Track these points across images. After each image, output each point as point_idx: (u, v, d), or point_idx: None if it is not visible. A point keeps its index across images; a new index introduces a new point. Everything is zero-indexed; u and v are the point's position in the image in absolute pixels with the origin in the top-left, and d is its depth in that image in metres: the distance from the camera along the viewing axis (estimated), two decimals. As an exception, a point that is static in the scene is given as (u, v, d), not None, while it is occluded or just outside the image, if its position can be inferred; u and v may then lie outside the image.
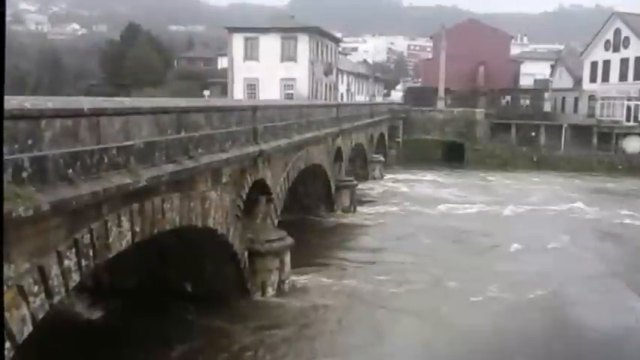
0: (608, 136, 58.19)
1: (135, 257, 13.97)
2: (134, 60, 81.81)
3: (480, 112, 61.38)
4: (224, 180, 15.41)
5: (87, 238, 9.56)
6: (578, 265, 23.40)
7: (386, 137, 55.19)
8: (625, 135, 57.79)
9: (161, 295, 16.82)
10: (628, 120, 58.48)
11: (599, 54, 63.81)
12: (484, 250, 25.53)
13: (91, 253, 9.69)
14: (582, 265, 23.32)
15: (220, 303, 16.75)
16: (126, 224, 10.70)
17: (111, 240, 10.24)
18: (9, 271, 7.90)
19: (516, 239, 26.60)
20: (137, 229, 11.08)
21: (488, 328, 16.61)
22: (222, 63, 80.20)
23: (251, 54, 59.24)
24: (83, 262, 9.47)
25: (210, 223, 14.55)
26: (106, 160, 9.82)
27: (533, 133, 60.79)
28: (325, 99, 62.95)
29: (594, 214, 33.40)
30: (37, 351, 11.94)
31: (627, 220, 31.84)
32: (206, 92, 69.94)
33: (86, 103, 9.61)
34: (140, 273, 17.60)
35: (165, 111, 12.40)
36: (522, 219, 32.20)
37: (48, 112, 8.47)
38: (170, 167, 11.92)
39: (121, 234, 10.56)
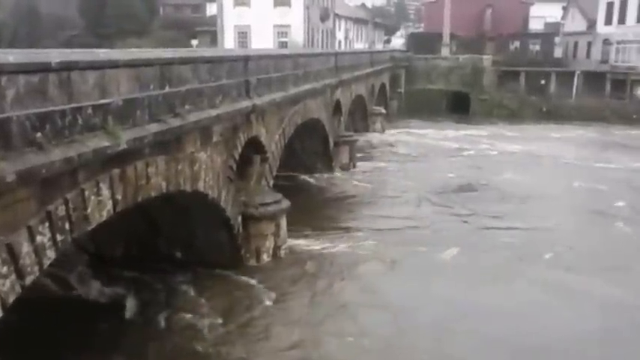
0: (623, 83, 57.26)
1: (122, 225, 13.46)
2: (116, 8, 80.00)
3: (487, 59, 60.26)
4: (214, 139, 14.74)
5: (62, 210, 8.94)
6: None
7: (387, 88, 54.27)
8: (641, 82, 56.99)
9: (150, 263, 16.41)
10: (645, 65, 57.44)
11: (616, -7, 62.35)
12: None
13: (67, 226, 9.09)
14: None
15: (212, 270, 16.36)
16: (106, 192, 10.08)
17: (89, 210, 9.63)
18: (-27, 250, 7.34)
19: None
20: (119, 197, 10.46)
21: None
22: (211, 9, 78.54)
23: (242, -1, 57.89)
24: (58, 237, 8.87)
25: (201, 186, 13.94)
26: (79, 121, 9.14)
27: (543, 81, 59.78)
28: (322, 47, 61.82)
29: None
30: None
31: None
32: (194, 42, 68.55)
33: (54, 55, 8.85)
34: (127, 241, 17.16)
35: (146, 63, 11.61)
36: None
37: (9, 67, 7.71)
38: (154, 127, 11.24)
39: (101, 203, 9.95)
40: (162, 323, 14.18)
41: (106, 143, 9.60)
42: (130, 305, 14.95)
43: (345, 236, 20.75)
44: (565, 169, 33.22)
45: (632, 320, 14.87)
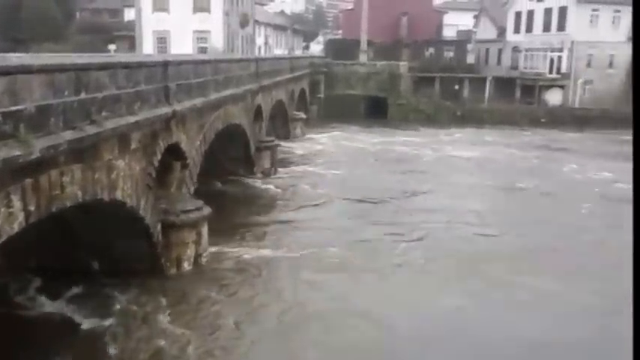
0: (532, 88, 59.46)
1: (35, 233, 12.78)
2: (31, 12, 77.17)
3: (403, 66, 61.18)
4: (133, 146, 14.26)
5: (-32, 223, 8.40)
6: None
7: (307, 93, 54.28)
8: (548, 87, 59.15)
9: (65, 275, 15.72)
10: (550, 72, 59.60)
11: (523, 4, 64.33)
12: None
13: (-26, 239, 8.55)
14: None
15: (130, 281, 15.77)
16: (17, 203, 9.55)
17: (-1, 223, 9.09)
18: None
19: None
20: (31, 208, 9.93)
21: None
22: (130, 14, 76.70)
23: (160, 4, 56.70)
24: (-35, 252, 8.33)
25: (119, 195, 13.44)
26: (-12, 129, 8.62)
27: (457, 86, 61.32)
28: (242, 53, 61.33)
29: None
30: None
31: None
32: (111, 47, 66.87)
33: (-41, 61, 8.32)
34: (41, 250, 16.36)
35: (61, 68, 11.08)
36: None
37: None
38: (69, 134, 10.75)
39: (12, 215, 9.41)
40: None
41: (18, 152, 9.10)
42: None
43: (267, 241, 20.56)
44: (527, 174, 33.87)
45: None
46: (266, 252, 19.32)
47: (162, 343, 13.37)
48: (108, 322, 14.10)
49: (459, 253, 19.66)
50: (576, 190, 29.80)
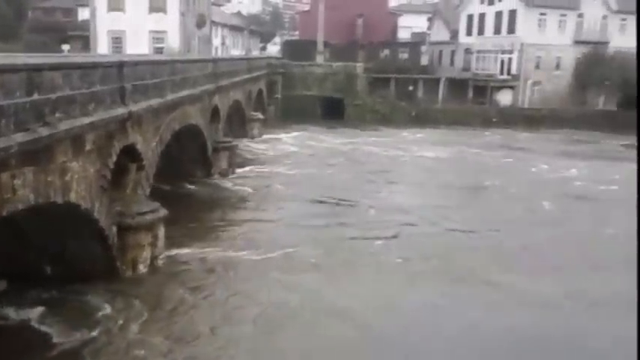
0: (483, 89, 60.41)
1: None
2: (-20, 10, 75.26)
3: (359, 67, 61.31)
4: (87, 148, 13.91)
5: None
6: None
7: (264, 93, 54.01)
8: (499, 88, 60.09)
9: (19, 279, 15.23)
10: (502, 73, 60.56)
11: (475, 7, 65.23)
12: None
13: None
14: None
15: (84, 285, 15.31)
16: (-34, 207, 9.21)
17: (-54, 227, 8.74)
18: None
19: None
20: (-19, 211, 9.59)
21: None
22: (84, 14, 75.26)
23: (116, 4, 55.78)
24: None
25: (73, 197, 13.09)
26: None
27: (412, 87, 61.82)
28: (199, 53, 60.76)
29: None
30: None
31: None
32: (65, 46, 65.57)
33: None
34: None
35: (12, 69, 10.75)
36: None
37: None
38: (20, 137, 10.40)
39: (-39, 219, 9.07)
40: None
41: (-34, 155, 8.76)
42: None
43: (235, 242, 20.31)
44: (494, 173, 34.42)
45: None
46: (229, 253, 19.02)
47: (141, 352, 13.09)
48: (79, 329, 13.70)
49: (432, 252, 19.79)
50: (543, 188, 30.28)
